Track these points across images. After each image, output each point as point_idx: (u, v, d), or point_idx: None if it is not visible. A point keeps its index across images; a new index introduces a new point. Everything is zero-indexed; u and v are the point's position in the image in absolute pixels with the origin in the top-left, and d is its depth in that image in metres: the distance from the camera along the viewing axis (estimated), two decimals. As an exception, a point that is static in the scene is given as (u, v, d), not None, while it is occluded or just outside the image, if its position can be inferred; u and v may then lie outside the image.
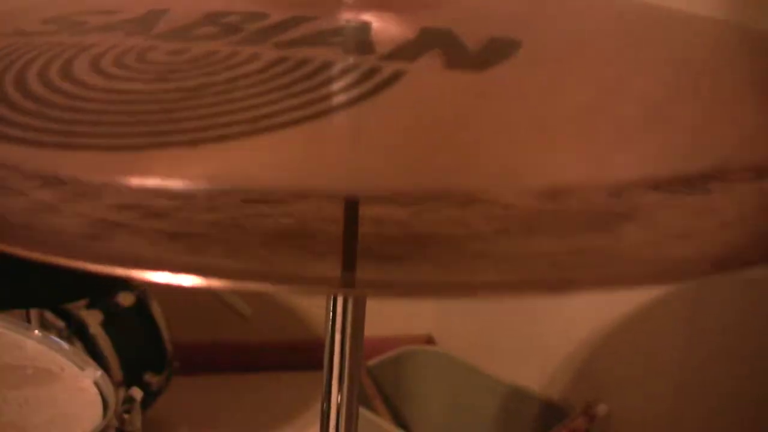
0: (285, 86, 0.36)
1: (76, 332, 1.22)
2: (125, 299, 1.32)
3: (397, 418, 1.47)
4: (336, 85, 0.36)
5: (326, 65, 0.37)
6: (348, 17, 0.43)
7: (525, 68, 0.39)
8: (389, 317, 1.41)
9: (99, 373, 0.81)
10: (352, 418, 0.52)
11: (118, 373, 1.23)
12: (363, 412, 1.26)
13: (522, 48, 0.40)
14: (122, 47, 0.40)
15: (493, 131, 0.35)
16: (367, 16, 0.43)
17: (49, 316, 1.20)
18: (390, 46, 0.39)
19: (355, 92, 0.35)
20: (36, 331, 0.87)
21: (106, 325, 1.25)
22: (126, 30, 0.43)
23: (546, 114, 0.36)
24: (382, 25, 0.42)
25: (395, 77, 0.36)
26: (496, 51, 0.40)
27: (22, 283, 1.00)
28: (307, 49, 0.39)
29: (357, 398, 0.52)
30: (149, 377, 1.31)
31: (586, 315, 1.36)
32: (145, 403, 1.29)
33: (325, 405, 0.52)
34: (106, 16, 0.45)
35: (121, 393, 0.86)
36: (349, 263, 0.41)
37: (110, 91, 0.37)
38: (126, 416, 0.82)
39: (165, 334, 1.36)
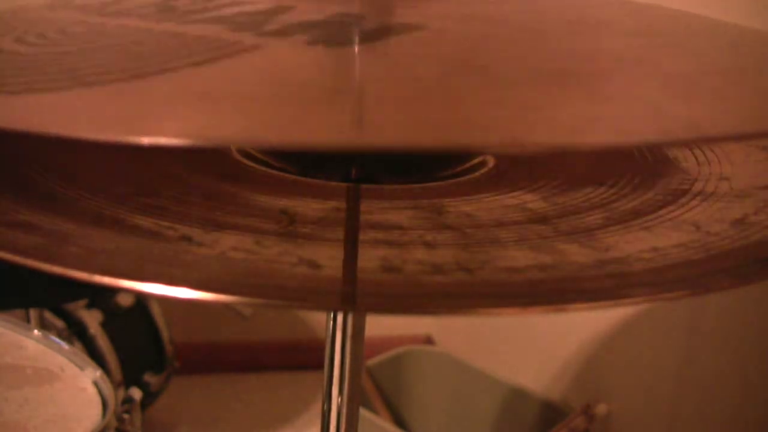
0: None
1: (76, 332, 1.22)
2: (125, 299, 1.33)
3: (397, 418, 1.47)
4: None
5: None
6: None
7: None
8: (389, 317, 1.41)
9: (98, 373, 0.81)
10: (352, 419, 0.52)
11: (117, 373, 1.23)
12: (363, 412, 1.26)
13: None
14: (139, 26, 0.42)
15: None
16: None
17: (48, 316, 1.20)
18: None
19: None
20: (36, 331, 0.87)
21: (105, 325, 1.25)
22: (148, 16, 0.45)
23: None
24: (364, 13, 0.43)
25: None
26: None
27: (22, 283, 1.00)
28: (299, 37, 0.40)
29: (357, 398, 0.52)
30: (149, 377, 1.31)
31: (586, 315, 1.36)
32: (145, 403, 1.29)
33: (325, 405, 0.52)
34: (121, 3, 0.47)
35: (121, 393, 0.86)
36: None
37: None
38: (126, 416, 0.82)
39: (165, 334, 1.36)
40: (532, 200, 0.51)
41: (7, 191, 0.46)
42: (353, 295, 0.38)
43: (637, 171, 0.53)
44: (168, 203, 0.49)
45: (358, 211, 0.44)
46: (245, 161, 0.52)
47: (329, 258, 0.43)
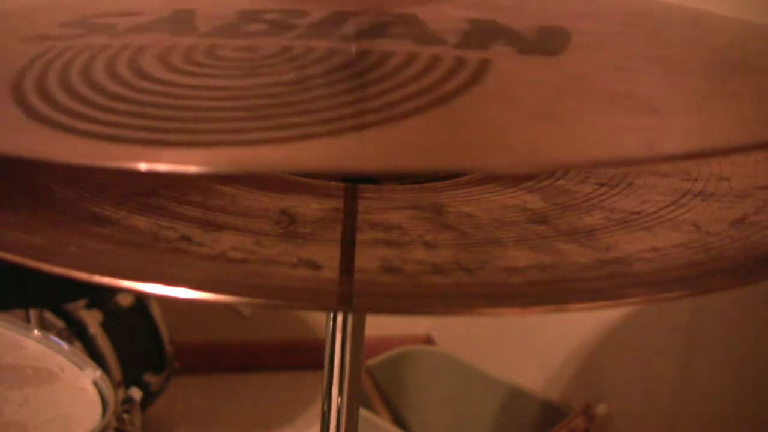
0: (382, 79, 0.34)
1: (76, 332, 1.22)
2: (125, 299, 1.33)
3: (397, 418, 1.47)
4: (432, 76, 0.35)
5: (412, 56, 0.36)
6: (389, 11, 0.42)
7: (588, 52, 0.39)
8: (389, 317, 1.41)
9: (98, 373, 0.81)
10: (352, 419, 0.52)
11: (117, 373, 1.23)
12: (363, 412, 1.26)
13: (573, 36, 0.40)
14: (182, 46, 0.38)
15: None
16: (407, 10, 0.43)
17: (48, 316, 1.20)
18: (454, 36, 0.39)
19: (455, 81, 0.34)
20: (36, 331, 0.87)
21: (105, 325, 1.25)
22: (169, 30, 0.41)
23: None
24: (429, 17, 0.42)
25: (487, 64, 0.35)
26: (553, 38, 0.40)
27: (22, 283, 1.00)
28: (379, 41, 0.38)
29: (357, 398, 0.52)
30: (149, 377, 1.31)
31: (586, 315, 1.36)
32: (145, 403, 1.29)
33: (325, 405, 0.52)
34: (130, 18, 0.43)
35: (121, 393, 0.86)
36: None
37: (204, 87, 0.35)
38: (126, 416, 0.82)
39: (164, 334, 1.36)
40: (532, 200, 0.51)
41: (7, 191, 0.46)
42: (350, 295, 0.38)
43: (637, 171, 0.53)
44: (168, 203, 0.49)
45: (355, 210, 0.44)
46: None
47: (329, 258, 0.43)
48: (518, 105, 0.33)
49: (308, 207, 0.51)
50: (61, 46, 0.38)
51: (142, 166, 0.28)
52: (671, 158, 0.31)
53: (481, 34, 0.39)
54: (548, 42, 0.39)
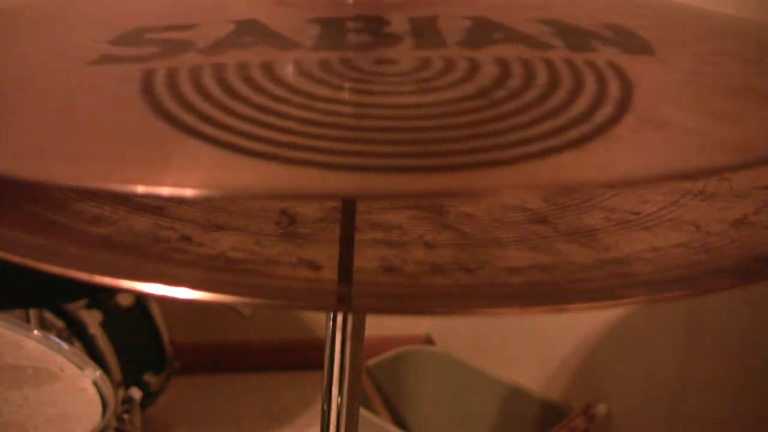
0: (555, 85, 0.33)
1: (76, 332, 1.22)
2: (125, 299, 1.33)
3: (397, 418, 1.47)
4: (591, 79, 0.34)
5: (549, 62, 0.36)
6: (462, 14, 0.42)
7: (667, 48, 0.39)
8: (389, 317, 1.41)
9: (98, 373, 0.81)
10: (352, 419, 0.52)
11: (117, 373, 1.23)
12: (362, 412, 1.26)
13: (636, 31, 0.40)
14: (311, 62, 0.36)
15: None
16: (475, 12, 0.42)
17: (48, 316, 1.20)
18: (555, 39, 0.38)
19: (614, 84, 0.34)
20: (36, 331, 0.87)
21: (105, 325, 1.25)
22: (268, 44, 0.38)
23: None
24: (504, 20, 0.41)
25: (618, 68, 0.35)
26: (633, 36, 0.40)
27: (22, 283, 1.00)
28: (490, 48, 0.37)
29: (357, 398, 0.52)
30: (149, 377, 1.31)
31: (585, 315, 1.35)
32: (145, 403, 1.29)
33: (325, 405, 0.52)
34: (192, 32, 0.40)
35: (121, 393, 0.86)
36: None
37: (380, 106, 0.33)
38: (125, 416, 0.82)
39: (164, 334, 1.36)
40: (532, 200, 0.51)
41: (7, 191, 0.46)
42: (350, 295, 0.38)
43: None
44: (168, 203, 0.49)
45: (353, 210, 0.44)
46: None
47: (329, 258, 0.43)
48: (695, 105, 0.32)
49: (308, 207, 0.51)
50: (158, 66, 0.35)
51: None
52: None
53: (570, 34, 0.39)
54: (631, 40, 0.39)
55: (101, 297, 1.27)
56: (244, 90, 0.33)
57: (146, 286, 0.31)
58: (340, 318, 0.50)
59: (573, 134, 0.30)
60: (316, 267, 0.42)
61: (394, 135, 0.30)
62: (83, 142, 0.30)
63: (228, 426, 1.52)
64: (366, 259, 0.42)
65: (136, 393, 0.87)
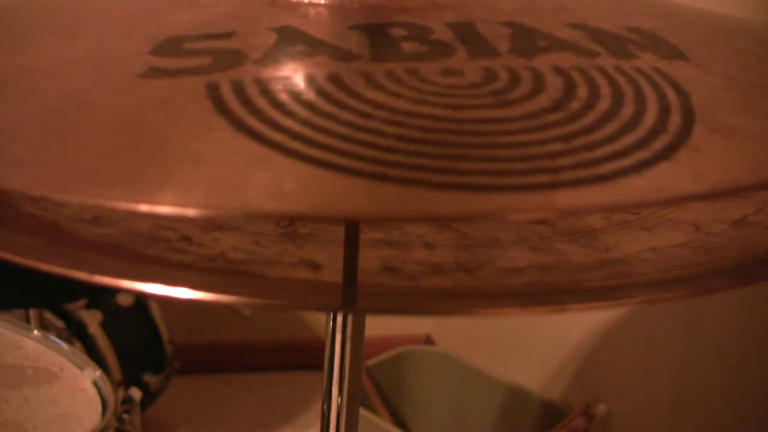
0: (620, 95, 0.33)
1: (76, 332, 1.22)
2: (125, 299, 1.33)
3: (397, 418, 1.47)
4: (647, 88, 0.34)
5: (603, 71, 0.35)
6: (497, 20, 0.41)
7: (699, 50, 0.39)
8: (389, 317, 1.41)
9: (98, 373, 0.81)
10: (352, 419, 0.52)
11: (117, 373, 1.23)
12: (363, 412, 1.26)
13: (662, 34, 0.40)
14: (378, 73, 0.34)
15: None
16: (505, 18, 0.42)
17: (48, 316, 1.20)
18: (595, 45, 0.38)
19: (670, 91, 0.34)
20: (36, 331, 0.87)
21: (105, 325, 1.25)
22: (325, 54, 0.37)
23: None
24: (536, 25, 0.41)
25: (661, 72, 0.35)
26: (660, 40, 0.39)
27: (22, 283, 1.00)
28: (547, 56, 0.37)
29: (357, 398, 0.52)
30: (148, 377, 1.31)
31: (585, 315, 1.35)
32: (145, 403, 1.29)
33: (325, 405, 0.52)
34: (235, 40, 0.38)
35: (121, 393, 0.86)
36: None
37: (465, 121, 0.32)
38: (125, 416, 0.82)
39: (164, 334, 1.36)
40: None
41: (6, 191, 0.46)
42: (353, 296, 0.38)
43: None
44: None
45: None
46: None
47: (329, 258, 0.43)
48: (749, 109, 0.32)
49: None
50: (220, 79, 0.34)
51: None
52: None
53: (608, 40, 0.38)
54: (663, 45, 0.38)
55: (101, 297, 1.27)
56: (323, 104, 0.32)
57: (146, 286, 0.31)
58: (340, 318, 0.50)
59: (657, 146, 0.29)
60: (316, 267, 0.42)
61: (491, 151, 0.30)
62: (169, 166, 0.29)
63: (228, 426, 1.52)
64: (366, 259, 0.42)
65: (136, 393, 0.87)
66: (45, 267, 0.32)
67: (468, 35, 0.39)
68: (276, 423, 1.54)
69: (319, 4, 0.42)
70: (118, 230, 0.45)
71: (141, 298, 1.34)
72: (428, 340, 1.75)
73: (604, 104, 0.32)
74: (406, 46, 0.37)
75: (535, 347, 1.49)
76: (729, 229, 0.44)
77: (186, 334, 1.47)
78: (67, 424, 0.75)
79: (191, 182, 0.28)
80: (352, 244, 0.42)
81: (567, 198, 0.27)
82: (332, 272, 0.41)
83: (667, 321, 1.22)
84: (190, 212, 0.26)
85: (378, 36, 0.39)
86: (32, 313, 1.13)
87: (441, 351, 1.54)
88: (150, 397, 1.33)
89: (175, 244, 0.44)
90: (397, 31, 0.39)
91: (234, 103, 0.32)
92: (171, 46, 0.38)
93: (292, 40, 0.38)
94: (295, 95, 0.33)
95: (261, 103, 0.32)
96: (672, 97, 0.33)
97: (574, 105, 0.32)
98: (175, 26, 0.41)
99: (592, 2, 0.46)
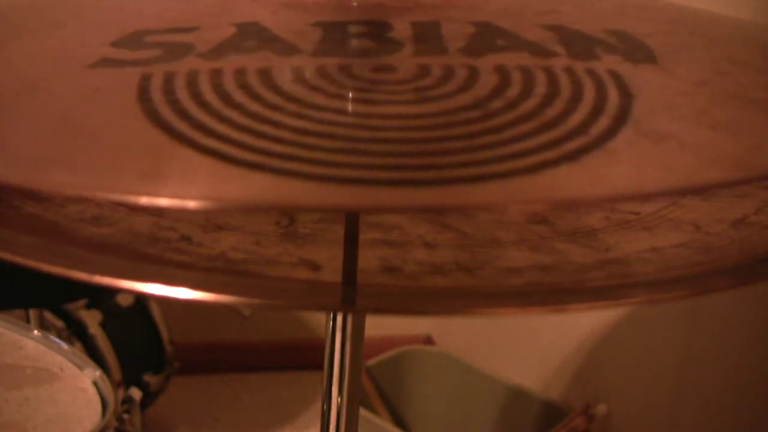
0: (553, 95, 0.33)
1: (76, 332, 1.22)
2: (125, 299, 1.33)
3: (397, 418, 1.47)
4: (590, 89, 0.34)
5: (549, 71, 0.35)
6: (467, 20, 0.41)
7: (676, 56, 0.38)
8: (389, 317, 1.40)
9: (98, 373, 0.81)
10: (352, 419, 0.52)
11: (117, 373, 1.23)
12: (363, 412, 1.26)
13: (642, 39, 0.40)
14: (309, 68, 0.35)
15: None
16: (480, 18, 0.42)
17: (48, 316, 1.20)
18: (558, 46, 0.38)
19: (613, 94, 0.33)
20: (35, 331, 0.87)
21: (105, 325, 1.25)
22: (268, 49, 0.37)
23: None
24: (508, 26, 0.41)
25: (617, 75, 0.35)
26: (638, 44, 0.39)
27: (22, 283, 0.99)
28: (492, 56, 0.37)
29: (357, 398, 0.52)
30: (148, 377, 1.31)
31: (586, 315, 1.35)
32: (145, 404, 1.29)
33: (325, 405, 0.52)
34: (193, 34, 0.39)
35: (121, 393, 0.86)
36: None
37: (376, 116, 0.32)
38: (125, 416, 0.82)
39: (164, 334, 1.36)
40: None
41: (6, 191, 0.46)
42: (353, 296, 0.38)
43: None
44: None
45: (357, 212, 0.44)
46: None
47: (329, 258, 0.43)
48: (697, 117, 0.32)
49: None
50: (156, 71, 0.35)
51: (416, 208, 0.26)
52: None
53: (574, 42, 0.38)
54: (635, 48, 0.38)
55: (101, 297, 1.27)
56: (240, 97, 0.33)
57: (146, 286, 0.31)
58: (340, 318, 0.50)
59: (569, 147, 0.29)
60: (316, 267, 0.42)
61: (389, 146, 0.30)
62: (78, 149, 0.30)
63: (228, 426, 1.52)
64: (366, 259, 0.42)
65: (135, 393, 0.87)
66: (45, 267, 0.32)
67: (426, 34, 0.39)
68: (276, 423, 1.54)
69: (309, 2, 0.43)
70: (118, 230, 0.45)
71: (141, 298, 1.34)
72: (428, 340, 1.75)
73: (530, 104, 0.32)
74: (355, 43, 0.38)
75: (535, 347, 1.49)
76: (729, 229, 0.44)
77: (186, 334, 1.47)
78: (67, 424, 0.75)
79: (79, 164, 0.29)
80: (351, 244, 0.42)
81: (429, 197, 0.27)
82: (332, 272, 0.41)
83: (667, 321, 1.22)
84: (69, 192, 0.27)
85: (333, 32, 0.40)
86: (32, 313, 1.13)
87: (441, 351, 1.54)
88: (150, 397, 1.33)
89: (175, 244, 0.44)
90: (355, 28, 0.40)
91: (156, 94, 0.33)
92: (133, 38, 0.40)
93: (249, 35, 0.39)
94: (217, 87, 0.34)
95: (181, 94, 0.33)
96: (613, 99, 0.33)
97: (497, 104, 0.32)
98: (152, 20, 0.43)
99: (590, 5, 0.46)
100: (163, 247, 0.43)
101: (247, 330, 1.67)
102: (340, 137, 0.31)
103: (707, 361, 1.17)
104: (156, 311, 1.36)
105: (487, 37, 0.39)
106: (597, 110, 0.32)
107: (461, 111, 0.32)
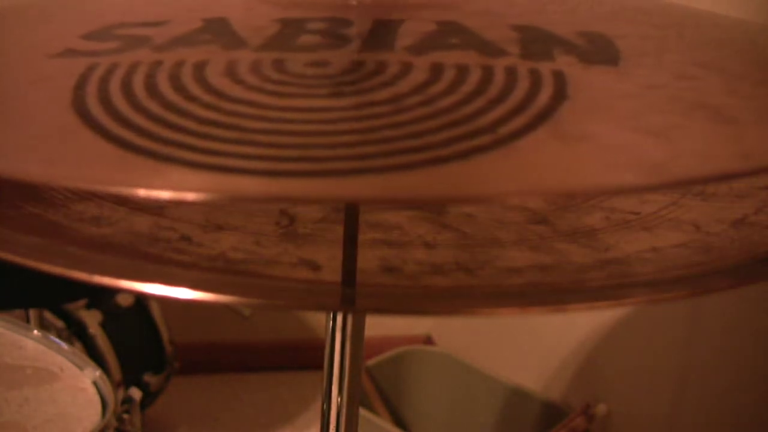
0: (477, 93, 0.32)
1: (76, 332, 1.22)
2: (125, 299, 1.33)
3: (397, 418, 1.47)
4: (521, 89, 0.33)
5: (487, 70, 0.35)
6: (433, 19, 0.41)
7: (642, 60, 0.38)
8: (389, 317, 1.41)
9: (98, 373, 0.81)
10: (352, 419, 0.52)
11: (117, 373, 1.23)
12: (363, 412, 1.26)
13: (615, 41, 0.39)
14: (245, 62, 0.36)
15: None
16: (448, 17, 0.42)
17: (48, 316, 1.20)
18: (514, 46, 0.38)
19: (545, 94, 0.33)
20: (35, 331, 0.87)
21: (105, 325, 1.25)
22: (216, 43, 0.38)
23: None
24: (475, 25, 0.41)
25: (561, 76, 0.34)
26: (601, 45, 0.39)
27: (22, 283, 1.00)
28: (444, 53, 0.37)
29: (357, 398, 0.52)
30: (148, 377, 1.31)
31: (586, 315, 1.36)
32: (145, 403, 1.29)
33: (325, 405, 0.52)
34: (158, 28, 0.41)
35: (121, 393, 0.86)
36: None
37: (299, 109, 0.32)
38: (125, 416, 0.82)
39: (164, 334, 1.36)
40: (532, 200, 0.51)
41: (6, 191, 0.46)
42: (352, 296, 0.38)
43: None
44: (168, 203, 0.49)
45: (357, 210, 0.44)
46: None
47: (329, 258, 0.43)
48: (622, 121, 0.31)
49: (308, 207, 0.51)
50: (104, 62, 0.36)
51: (275, 200, 0.26)
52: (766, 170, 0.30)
53: (536, 42, 0.38)
54: (600, 49, 0.38)
55: (101, 297, 1.27)
56: (165, 88, 0.34)
57: (146, 286, 0.31)
58: (340, 318, 0.50)
59: (466, 146, 0.29)
60: (316, 267, 0.42)
61: (282, 138, 0.30)
62: (7, 133, 0.31)
63: (228, 426, 1.52)
64: (366, 259, 0.42)
65: (135, 393, 0.87)
66: (45, 267, 0.32)
67: (382, 31, 0.39)
68: (276, 423, 1.54)
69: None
70: (118, 230, 0.45)
71: (141, 298, 1.34)
72: (428, 340, 1.75)
73: (447, 101, 0.32)
74: (305, 39, 0.38)
75: (535, 347, 1.49)
76: (729, 229, 0.44)
77: (186, 334, 1.47)
78: (67, 424, 0.75)
79: (4, 148, 0.30)
80: (351, 243, 0.42)
81: (310, 188, 0.27)
82: (332, 272, 0.41)
83: (667, 321, 1.22)
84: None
85: (290, 28, 0.40)
86: (32, 313, 1.13)
87: (441, 351, 1.54)
88: (150, 397, 1.33)
89: (175, 244, 0.44)
90: (313, 25, 0.40)
91: (92, 83, 0.34)
92: (103, 31, 0.41)
93: (209, 30, 0.40)
94: (149, 77, 0.35)
95: (114, 84, 0.34)
96: (541, 100, 0.32)
97: (413, 100, 0.32)
98: (134, 15, 0.44)
99: (587, 7, 0.46)
100: (163, 247, 0.43)
101: (247, 330, 1.67)
102: (239, 128, 0.31)
103: (707, 361, 1.18)
104: (156, 311, 1.36)
105: (442, 36, 0.39)
106: (517, 110, 0.31)
107: (371, 106, 0.32)
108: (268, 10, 0.43)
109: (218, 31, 0.40)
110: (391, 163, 0.28)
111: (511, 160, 0.28)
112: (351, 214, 0.43)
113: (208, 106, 0.32)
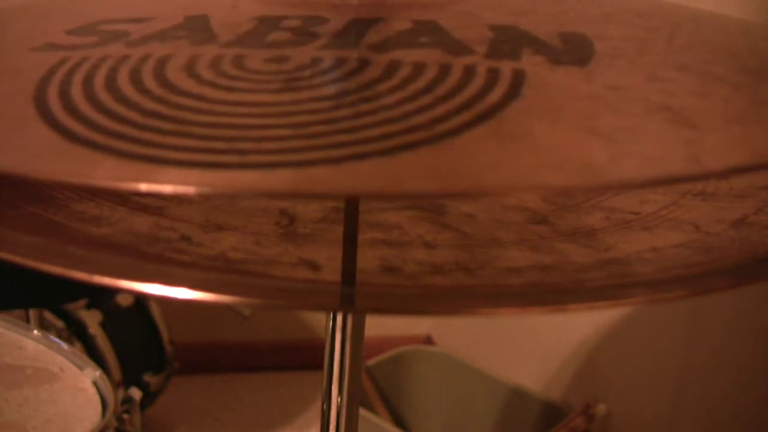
0: (425, 90, 0.33)
1: (76, 332, 1.22)
2: (125, 299, 1.33)
3: (397, 418, 1.47)
4: (473, 87, 0.33)
5: (445, 68, 0.35)
6: (414, 18, 0.41)
7: (615, 61, 0.38)
8: (389, 317, 1.41)
9: (98, 373, 0.81)
10: (352, 419, 0.52)
11: (117, 373, 1.23)
12: (362, 412, 1.26)
13: (595, 43, 0.39)
14: (207, 56, 0.36)
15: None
16: (429, 16, 0.42)
17: (48, 316, 1.20)
18: (482, 45, 0.37)
19: (497, 92, 0.33)
20: (35, 331, 0.87)
21: (105, 325, 1.25)
22: (188, 38, 0.39)
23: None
24: (452, 25, 0.41)
25: (521, 75, 0.34)
26: (577, 46, 0.39)
27: (22, 283, 1.00)
28: (408, 51, 0.37)
29: (357, 398, 0.52)
30: (148, 377, 1.31)
31: (585, 315, 1.36)
32: (145, 403, 1.29)
33: (325, 405, 0.52)
34: (140, 24, 0.41)
35: (121, 393, 0.86)
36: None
37: (242, 104, 0.33)
38: (125, 416, 0.82)
39: (164, 334, 1.36)
40: (531, 200, 0.51)
41: (6, 191, 0.46)
42: (352, 296, 0.38)
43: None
44: (168, 203, 0.49)
45: (356, 210, 0.44)
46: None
47: (329, 258, 0.43)
48: (570, 121, 0.31)
49: (308, 207, 0.51)
50: (76, 56, 0.37)
51: (193, 190, 0.27)
52: (717, 174, 0.30)
53: (507, 42, 0.38)
54: (574, 50, 0.38)
55: (101, 297, 1.27)
56: (123, 82, 0.34)
57: (146, 286, 0.31)
58: (340, 318, 0.50)
59: (395, 142, 0.29)
60: (316, 267, 0.42)
61: (216, 131, 0.30)
62: None
63: (228, 426, 1.52)
64: (366, 259, 0.42)
65: (135, 393, 0.87)
66: (45, 267, 0.32)
67: (353, 29, 0.39)
68: (276, 423, 1.54)
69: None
70: (118, 230, 0.45)
71: (141, 298, 1.34)
72: (428, 340, 1.75)
73: (391, 99, 0.32)
74: (275, 36, 0.39)
75: (535, 347, 1.49)
76: (729, 229, 0.44)
77: (186, 334, 1.47)
78: (67, 424, 0.75)
79: None
80: (351, 243, 0.42)
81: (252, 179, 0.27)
82: (332, 272, 0.41)
83: (667, 321, 1.22)
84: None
85: (264, 25, 0.40)
86: (32, 313, 1.13)
87: (441, 351, 1.54)
88: (150, 397, 1.33)
89: (175, 244, 0.44)
90: (288, 22, 0.40)
91: (58, 76, 0.35)
92: (88, 27, 0.41)
93: (186, 26, 0.41)
94: (111, 71, 0.35)
95: (77, 76, 0.35)
96: (491, 99, 0.32)
97: (356, 96, 0.32)
98: (124, 12, 0.44)
99: (579, 9, 0.46)
100: (163, 247, 0.43)
101: (247, 330, 1.67)
102: (179, 121, 0.31)
103: (707, 361, 1.18)
104: (156, 311, 1.36)
105: (412, 35, 0.39)
106: (462, 108, 0.31)
107: (314, 101, 0.32)
108: (254, 7, 0.43)
109: (195, 27, 0.40)
110: (315, 157, 0.28)
111: (438, 157, 0.28)
112: (351, 213, 0.43)
113: (157, 100, 0.33)
